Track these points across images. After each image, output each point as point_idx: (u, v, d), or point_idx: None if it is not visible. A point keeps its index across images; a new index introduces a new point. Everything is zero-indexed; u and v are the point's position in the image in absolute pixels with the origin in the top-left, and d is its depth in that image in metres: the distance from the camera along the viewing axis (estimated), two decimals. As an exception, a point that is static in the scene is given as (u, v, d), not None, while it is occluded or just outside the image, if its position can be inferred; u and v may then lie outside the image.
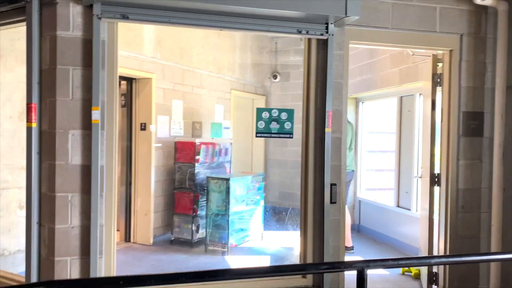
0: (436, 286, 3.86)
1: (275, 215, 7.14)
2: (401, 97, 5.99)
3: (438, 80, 3.83)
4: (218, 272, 1.54)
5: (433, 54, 3.86)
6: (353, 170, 5.66)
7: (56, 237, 2.91)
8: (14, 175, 4.15)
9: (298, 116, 3.44)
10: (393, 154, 6.21)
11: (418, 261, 1.81)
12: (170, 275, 1.54)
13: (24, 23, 2.96)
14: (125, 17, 2.91)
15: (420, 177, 4.60)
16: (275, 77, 8.27)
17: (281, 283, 3.32)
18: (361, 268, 1.73)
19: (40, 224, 2.99)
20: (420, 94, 5.41)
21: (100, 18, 2.87)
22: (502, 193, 3.54)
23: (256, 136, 3.37)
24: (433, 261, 1.89)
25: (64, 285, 1.51)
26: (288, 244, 5.85)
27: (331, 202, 3.32)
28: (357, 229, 6.94)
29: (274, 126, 3.40)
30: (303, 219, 3.41)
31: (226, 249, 5.37)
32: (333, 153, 3.33)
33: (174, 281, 1.58)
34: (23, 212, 3.78)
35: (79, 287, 1.51)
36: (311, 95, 3.37)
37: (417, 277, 4.63)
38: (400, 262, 1.78)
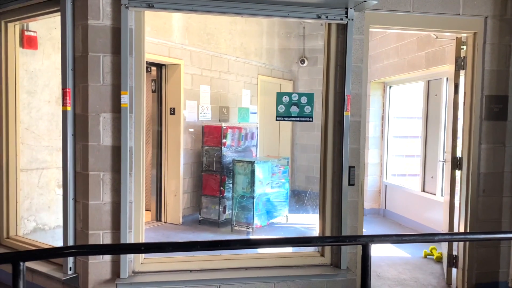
0: (455, 269, 3.89)
1: (300, 199, 7.26)
2: (428, 81, 5.91)
3: (462, 63, 3.80)
4: (231, 242, 1.68)
5: (456, 37, 3.82)
6: None
7: (90, 212, 3.15)
8: (53, 155, 4.44)
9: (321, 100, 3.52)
10: (420, 139, 6.16)
11: (422, 237, 1.88)
12: (186, 243, 1.69)
13: (59, 13, 3.17)
14: (150, 6, 3.07)
15: (445, 161, 4.60)
16: (302, 62, 8.29)
17: (300, 261, 3.47)
18: (365, 242, 1.83)
19: (75, 200, 3.24)
20: (447, 78, 5.34)
21: (127, 7, 3.05)
22: (524, 177, 3.51)
23: (276, 120, 3.48)
24: (436, 237, 1.96)
25: (94, 249, 1.70)
26: (311, 225, 5.97)
27: (349, 184, 3.41)
28: (382, 213, 6.97)
29: (294, 110, 3.49)
30: (322, 200, 3.51)
31: (251, 230, 5.55)
32: (351, 136, 3.41)
33: (190, 249, 1.74)
34: (61, 190, 4.07)
35: (107, 251, 1.69)
36: (331, 79, 3.44)
37: (439, 260, 4.66)
38: (404, 238, 1.86)
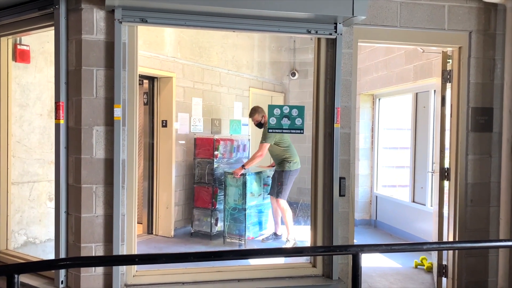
0: (445, 278, 3.94)
1: (292, 210, 7.27)
2: (416, 93, 6.03)
3: (448, 76, 3.90)
4: (223, 253, 1.71)
5: (442, 51, 3.92)
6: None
7: (82, 225, 3.16)
8: (44, 168, 4.43)
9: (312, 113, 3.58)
10: (409, 151, 6.25)
11: (411, 246, 1.93)
12: (180, 254, 1.72)
13: (52, 27, 3.22)
14: (144, 21, 3.13)
15: (433, 172, 4.67)
16: (293, 74, 8.39)
17: (292, 272, 3.49)
18: (355, 252, 1.87)
19: (67, 213, 3.25)
20: (434, 90, 5.45)
21: (121, 22, 3.10)
22: (510, 187, 3.59)
23: (268, 132, 3.54)
24: (424, 246, 2.00)
25: (88, 261, 1.72)
26: (304, 237, 5.98)
27: (340, 195, 3.46)
28: (373, 224, 7.02)
29: (285, 122, 3.55)
30: (314, 211, 3.56)
31: (243, 242, 5.55)
32: (342, 148, 3.47)
33: (183, 260, 1.77)
34: (52, 204, 4.06)
35: (101, 262, 1.71)
36: (321, 92, 3.51)
37: (430, 270, 4.71)
38: (394, 247, 1.90)
